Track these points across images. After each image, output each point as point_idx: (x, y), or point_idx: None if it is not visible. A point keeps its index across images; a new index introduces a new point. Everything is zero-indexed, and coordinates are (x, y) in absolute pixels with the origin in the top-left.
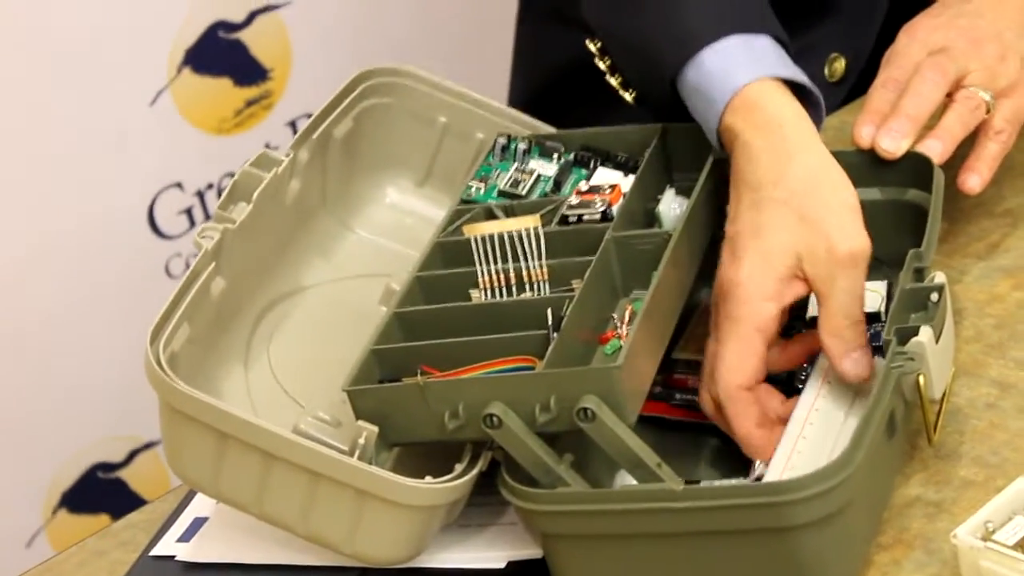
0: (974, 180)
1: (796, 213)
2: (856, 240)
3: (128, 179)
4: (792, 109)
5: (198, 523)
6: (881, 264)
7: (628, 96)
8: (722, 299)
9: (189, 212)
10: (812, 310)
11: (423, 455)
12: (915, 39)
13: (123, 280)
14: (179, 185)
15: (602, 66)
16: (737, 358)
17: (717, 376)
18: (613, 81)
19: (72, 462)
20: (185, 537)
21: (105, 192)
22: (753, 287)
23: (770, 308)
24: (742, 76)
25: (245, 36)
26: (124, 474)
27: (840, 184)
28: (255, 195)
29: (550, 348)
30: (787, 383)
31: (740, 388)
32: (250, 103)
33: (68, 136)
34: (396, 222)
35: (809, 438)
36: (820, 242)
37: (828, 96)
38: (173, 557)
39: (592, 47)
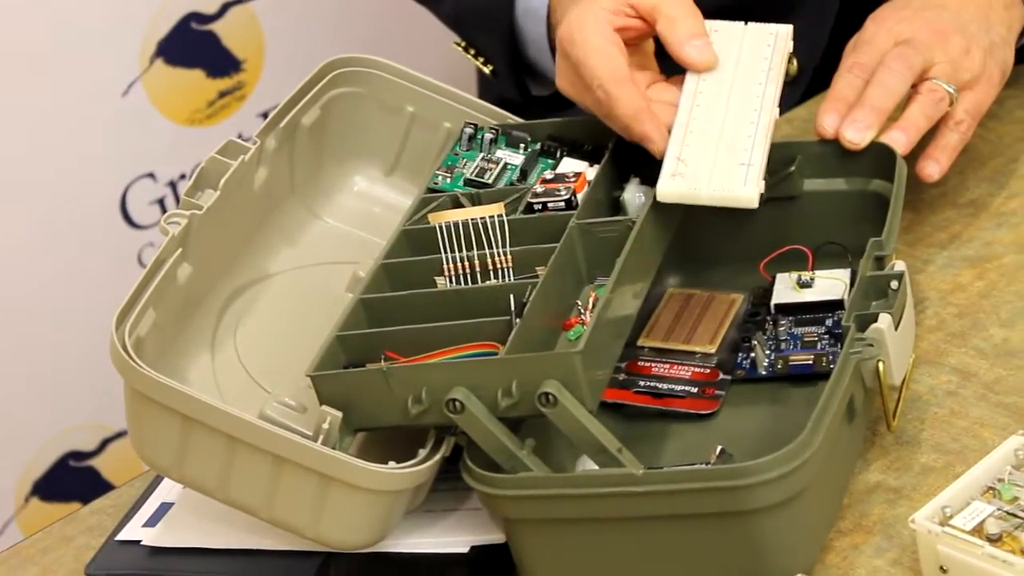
0: (932, 168)
1: None
2: None
3: (101, 169)
4: None
5: (164, 508)
6: (845, 253)
7: (487, 70)
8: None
9: (161, 202)
10: (776, 297)
11: (388, 440)
12: (882, 27)
13: (96, 269)
14: (151, 175)
15: (469, 56)
16: (599, 49)
17: (590, 76)
18: (477, 62)
19: (44, 451)
20: (151, 522)
21: (78, 182)
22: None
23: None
24: None
25: (218, 28)
26: (96, 462)
27: None
28: (222, 182)
29: (512, 334)
30: None
31: (612, 73)
32: (223, 94)
33: (41, 127)
34: (364, 210)
35: (696, 131)
36: None
37: (785, 95)
38: (139, 542)
39: (459, 47)
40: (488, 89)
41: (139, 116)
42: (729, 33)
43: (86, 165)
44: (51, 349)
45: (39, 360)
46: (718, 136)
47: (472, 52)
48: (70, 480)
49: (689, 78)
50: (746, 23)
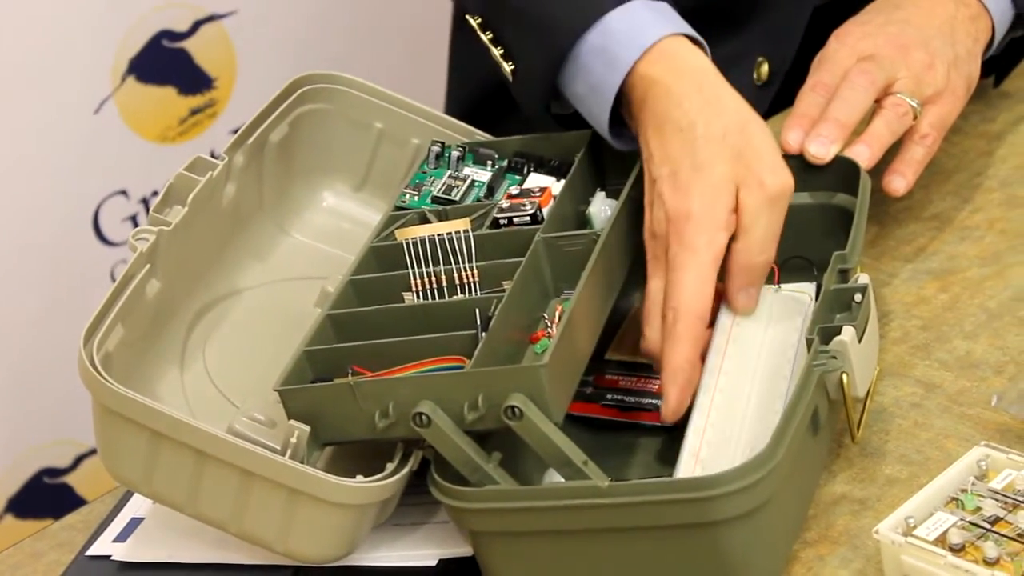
0: (898, 182)
1: (732, 149)
2: (785, 177)
3: (73, 186)
4: (706, 60)
5: (134, 523)
6: (810, 266)
7: (507, 67)
8: (673, 233)
9: (134, 219)
10: None
11: (356, 455)
12: (845, 44)
13: (68, 286)
14: (124, 192)
15: (485, 39)
16: (697, 285)
17: (676, 304)
18: (495, 52)
19: (17, 467)
20: (121, 537)
21: (50, 199)
22: (708, 217)
23: (724, 237)
24: (655, 31)
25: (189, 45)
26: (70, 479)
27: (764, 126)
28: (190, 198)
29: (478, 348)
30: None
31: (698, 316)
32: (195, 112)
33: (12, 144)
34: (333, 226)
35: (716, 424)
36: (753, 177)
37: (756, 99)
38: (109, 557)
39: (473, 22)
40: (455, 106)
41: (111, 133)
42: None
43: (58, 182)
44: (24, 365)
45: (11, 376)
46: (743, 415)
47: (497, 46)
48: (44, 497)
49: (713, 353)
50: (777, 288)
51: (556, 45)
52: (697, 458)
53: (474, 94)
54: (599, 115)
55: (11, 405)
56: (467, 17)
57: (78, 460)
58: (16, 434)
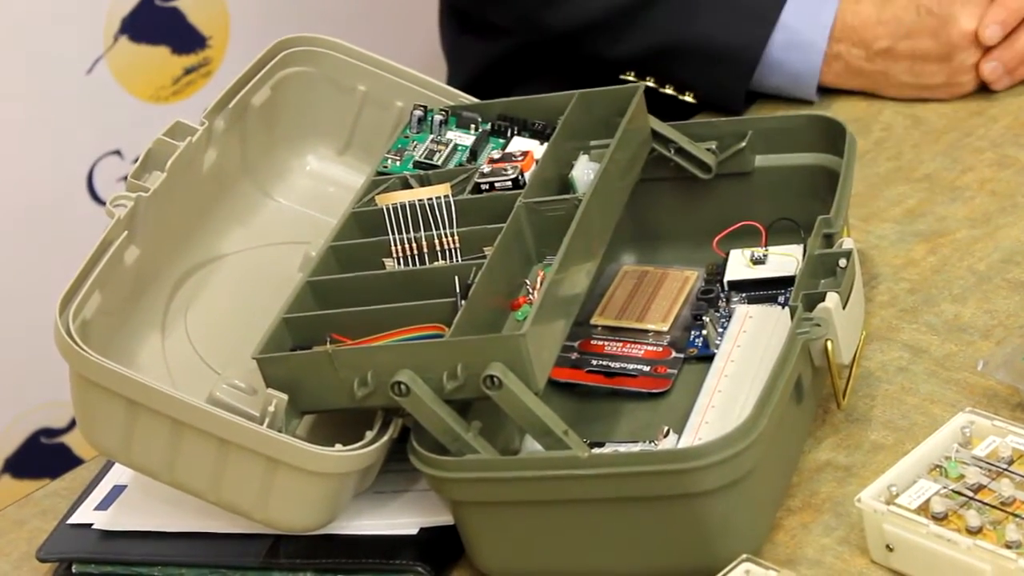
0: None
1: None
2: None
3: (67, 147)
4: None
5: (117, 491)
6: (799, 228)
7: (689, 98)
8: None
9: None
10: (729, 274)
11: (337, 423)
12: None
13: (63, 246)
14: (118, 152)
15: (650, 83)
16: None
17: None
18: (668, 90)
19: (15, 427)
20: (103, 505)
21: (44, 160)
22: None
23: None
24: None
25: (182, 4)
26: (67, 439)
27: None
28: (168, 163)
29: (457, 315)
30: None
31: None
32: (189, 71)
33: (5, 105)
34: (317, 190)
35: (718, 406)
36: None
37: None
38: (90, 525)
39: (629, 76)
40: (460, 72)
41: (104, 93)
42: (765, 316)
43: (52, 142)
44: (20, 326)
45: (6, 336)
46: (746, 396)
47: (665, 87)
48: (42, 457)
49: (720, 355)
50: (783, 307)
51: (745, 65)
52: (696, 434)
53: (474, 74)
54: (804, 92)
55: (7, 366)
56: (621, 77)
57: (74, 421)
58: (12, 395)
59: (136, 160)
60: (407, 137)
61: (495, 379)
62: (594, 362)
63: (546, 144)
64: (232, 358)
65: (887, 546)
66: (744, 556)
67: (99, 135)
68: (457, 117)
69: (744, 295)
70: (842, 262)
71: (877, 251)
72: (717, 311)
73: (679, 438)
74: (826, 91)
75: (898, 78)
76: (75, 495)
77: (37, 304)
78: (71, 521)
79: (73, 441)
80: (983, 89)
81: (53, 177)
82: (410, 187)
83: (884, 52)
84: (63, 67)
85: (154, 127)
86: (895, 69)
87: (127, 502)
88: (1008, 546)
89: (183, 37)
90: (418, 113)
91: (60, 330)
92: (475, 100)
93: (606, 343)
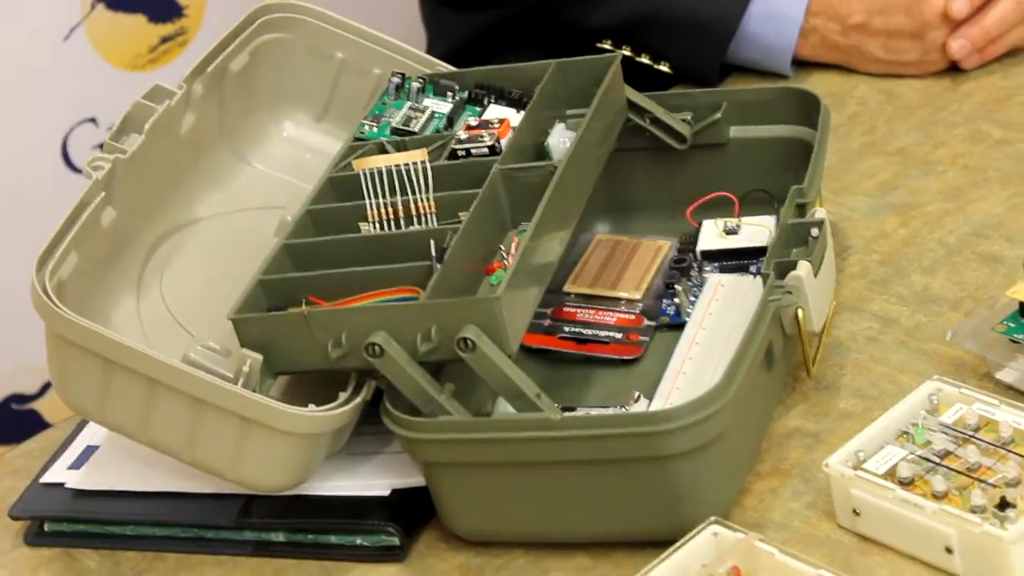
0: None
1: None
2: None
3: (42, 114)
4: None
5: (89, 451)
6: (772, 200)
7: (665, 68)
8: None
9: (103, 147)
10: (702, 244)
11: (312, 384)
12: None
13: (37, 213)
14: (93, 120)
15: (626, 52)
16: None
17: None
18: (644, 59)
19: None
20: (76, 465)
21: (19, 126)
22: None
23: None
24: None
25: None
26: (38, 405)
27: None
28: (146, 126)
29: (432, 279)
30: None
31: None
32: (165, 40)
33: None
34: (294, 156)
35: (689, 373)
36: None
37: None
38: (63, 484)
39: (606, 45)
40: (439, 43)
41: (81, 61)
42: (737, 285)
43: (27, 109)
44: None
45: None
46: (716, 363)
47: (641, 55)
48: (12, 423)
49: (691, 323)
50: (755, 276)
51: (720, 37)
52: (667, 400)
53: (453, 46)
54: (779, 66)
55: None
56: (598, 46)
57: (46, 387)
58: None
59: (111, 128)
60: (384, 104)
61: (469, 341)
62: (567, 329)
63: (523, 112)
64: (206, 321)
65: (854, 510)
66: (712, 519)
67: (75, 102)
68: (434, 85)
69: (716, 265)
70: (814, 231)
71: (849, 223)
72: (689, 280)
73: (650, 403)
74: (801, 66)
75: (872, 54)
76: (47, 455)
77: (7, 271)
78: (44, 480)
79: (44, 407)
80: (957, 66)
81: (27, 143)
82: (387, 152)
83: (859, 27)
84: (40, 34)
85: (130, 95)
86: (869, 45)
87: (99, 462)
88: (973, 511)
89: (160, 6)
90: (396, 80)
91: (37, 288)
92: (453, 69)
93: (579, 310)
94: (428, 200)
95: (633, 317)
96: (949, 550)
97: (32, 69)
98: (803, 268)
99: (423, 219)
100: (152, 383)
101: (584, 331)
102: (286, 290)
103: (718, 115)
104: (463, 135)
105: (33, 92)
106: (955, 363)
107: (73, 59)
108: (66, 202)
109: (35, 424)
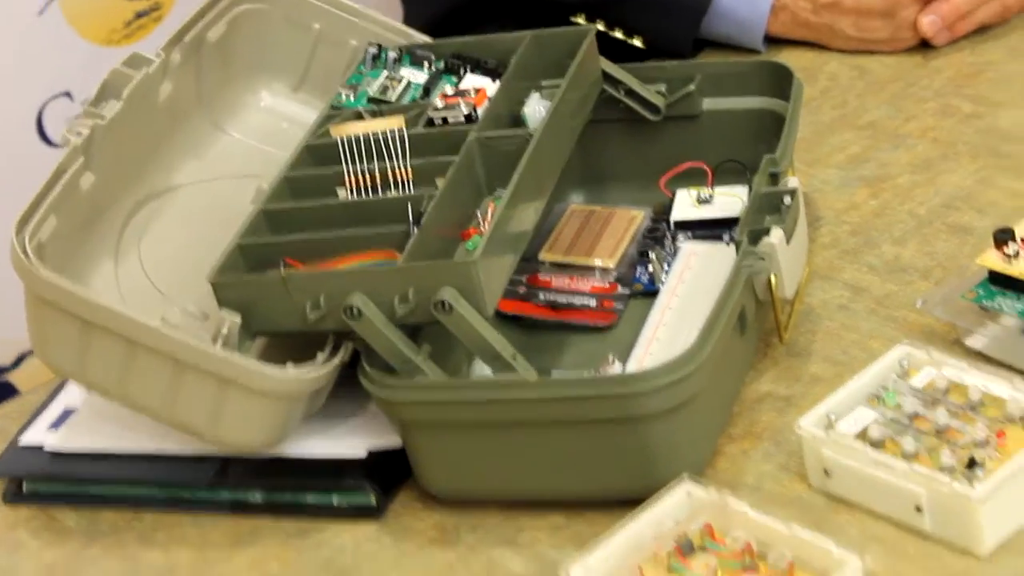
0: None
1: None
2: None
3: (17, 88)
4: None
5: (67, 413)
6: (745, 170)
7: (638, 42)
8: None
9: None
10: (675, 213)
11: (289, 346)
12: None
13: (11, 187)
14: (68, 94)
15: (600, 27)
16: None
17: None
18: (617, 34)
19: None
20: (54, 427)
21: None
22: None
23: None
24: None
25: None
26: (12, 377)
27: None
28: (125, 93)
29: (410, 242)
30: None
31: None
32: (140, 15)
33: None
34: (271, 126)
35: (662, 339)
36: None
37: None
38: (41, 446)
39: (580, 20)
40: (416, 17)
41: (55, 35)
42: (710, 254)
43: (2, 84)
44: None
45: None
46: (690, 328)
47: (614, 30)
48: None
49: (665, 290)
50: (728, 243)
51: (694, 12)
52: (641, 365)
53: (430, 20)
54: (751, 42)
55: None
56: (572, 20)
57: (20, 358)
58: None
59: (86, 100)
60: (361, 73)
61: (446, 303)
62: (542, 295)
63: (499, 82)
64: (184, 286)
65: (825, 471)
66: (684, 475)
67: (50, 77)
68: (411, 55)
69: (690, 234)
70: (787, 199)
71: (820, 195)
72: (663, 249)
73: (624, 368)
74: (774, 41)
75: (844, 32)
76: (25, 418)
77: None
78: (23, 442)
79: (18, 379)
80: (928, 42)
81: (2, 118)
82: (364, 120)
83: (830, 6)
84: (14, 8)
85: (105, 70)
86: (841, 23)
87: (78, 423)
88: (942, 470)
89: None
90: (372, 50)
91: (16, 249)
92: (429, 40)
93: (553, 278)
94: (405, 167)
95: (607, 285)
96: (919, 509)
97: (6, 44)
98: (776, 234)
99: (400, 186)
100: (131, 344)
101: (559, 298)
102: (264, 254)
103: (692, 87)
104: (440, 103)
105: (7, 67)
106: (925, 330)
107: (48, 34)
108: (41, 176)
109: (7, 396)
